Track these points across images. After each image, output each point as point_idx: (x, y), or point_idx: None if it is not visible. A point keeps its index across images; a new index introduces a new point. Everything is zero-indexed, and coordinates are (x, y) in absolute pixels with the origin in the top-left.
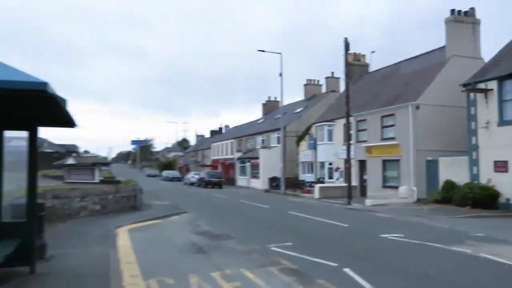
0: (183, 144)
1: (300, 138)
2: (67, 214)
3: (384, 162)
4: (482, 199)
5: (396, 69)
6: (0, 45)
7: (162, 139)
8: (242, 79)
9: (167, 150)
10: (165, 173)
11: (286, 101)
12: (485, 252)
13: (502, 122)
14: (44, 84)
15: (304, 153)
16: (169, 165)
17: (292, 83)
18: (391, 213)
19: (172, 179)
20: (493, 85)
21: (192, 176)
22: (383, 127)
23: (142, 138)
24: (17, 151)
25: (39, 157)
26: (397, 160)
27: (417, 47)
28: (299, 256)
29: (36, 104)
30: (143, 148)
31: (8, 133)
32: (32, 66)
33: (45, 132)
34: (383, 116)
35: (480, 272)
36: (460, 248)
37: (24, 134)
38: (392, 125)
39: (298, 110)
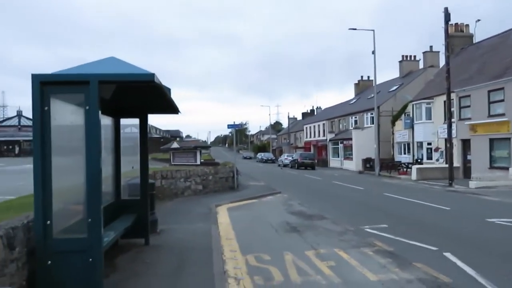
0: (276, 126)
1: (396, 118)
2: (174, 193)
3: (492, 140)
4: None
5: (505, 38)
6: (110, 40)
7: (256, 122)
8: (335, 59)
9: (261, 133)
10: (260, 155)
11: (381, 79)
12: None
13: None
14: (152, 75)
15: (400, 133)
16: (263, 148)
17: (387, 61)
18: (500, 196)
19: (266, 161)
20: None
21: (285, 157)
22: (490, 102)
23: (237, 122)
24: (130, 137)
25: (149, 142)
26: (508, 139)
27: None
28: (394, 238)
29: (145, 94)
30: (239, 132)
31: (122, 121)
32: (139, 58)
33: (151, 120)
34: (490, 91)
35: None
36: None
37: (136, 121)
38: (501, 100)
39: (393, 88)
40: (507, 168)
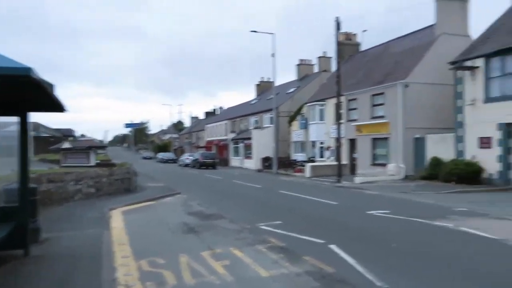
0: (178, 126)
1: (292, 118)
2: (63, 198)
3: (374, 140)
4: (467, 174)
5: (387, 48)
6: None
7: (158, 121)
8: (240, 59)
9: (162, 132)
10: (160, 155)
11: (281, 81)
12: (466, 226)
13: (488, 99)
14: (28, 69)
15: (296, 133)
16: (164, 147)
17: (287, 63)
18: (379, 190)
19: (167, 161)
20: (479, 62)
21: (187, 157)
22: (373, 105)
23: (137, 121)
24: (10, 136)
25: (36, 142)
26: (386, 138)
27: (419, 24)
28: (287, 234)
29: (23, 90)
30: (138, 131)
31: (1, 119)
32: (33, 49)
33: (41, 117)
34: (373, 95)
35: (458, 245)
36: (443, 223)
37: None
38: (382, 104)
39: (291, 90)
40: (385, 165)
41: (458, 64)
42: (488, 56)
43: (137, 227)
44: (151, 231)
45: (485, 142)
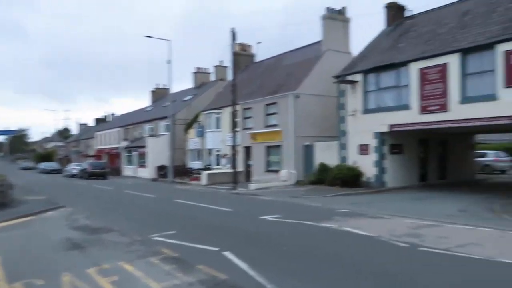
0: (64, 133)
1: (189, 126)
2: None
3: (268, 147)
4: (349, 178)
5: (280, 60)
6: None
7: (41, 128)
8: (135, 65)
9: (46, 140)
10: (43, 165)
11: (177, 88)
12: (348, 226)
13: (366, 111)
14: None
15: (193, 141)
16: (47, 157)
17: (184, 70)
18: (272, 196)
19: (50, 172)
20: (359, 77)
21: (73, 167)
22: (267, 114)
23: (15, 127)
24: None
25: None
26: (279, 146)
27: (311, 38)
28: (181, 243)
29: None
30: (16, 139)
31: None
32: None
33: None
34: (267, 104)
35: (341, 244)
36: (328, 224)
37: None
38: (275, 113)
39: (187, 97)
40: (278, 171)
41: (341, 78)
42: (365, 72)
43: (13, 246)
44: (29, 249)
45: (364, 149)
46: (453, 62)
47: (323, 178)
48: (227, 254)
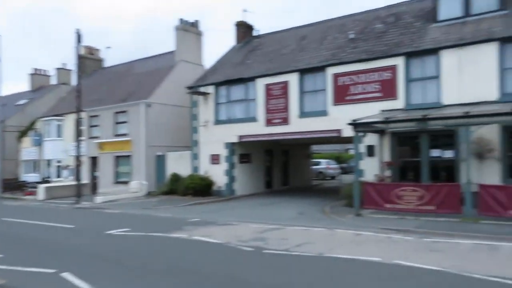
0: None
1: (23, 134)
2: None
3: (117, 158)
4: (201, 188)
5: (131, 67)
6: None
7: None
8: None
9: None
10: None
11: (9, 91)
12: (198, 235)
13: (217, 122)
14: None
15: (28, 151)
16: None
17: (20, 71)
18: (121, 208)
19: None
20: (211, 89)
21: None
22: (116, 123)
23: None
24: None
25: None
26: (129, 156)
27: (166, 48)
28: (10, 268)
29: None
30: None
31: None
32: None
33: None
34: (116, 113)
35: (190, 252)
36: (178, 234)
37: None
38: (125, 122)
39: (22, 102)
40: (128, 182)
41: (193, 89)
42: (217, 85)
43: None
44: None
45: (215, 159)
46: (293, 80)
47: (176, 188)
48: (66, 275)
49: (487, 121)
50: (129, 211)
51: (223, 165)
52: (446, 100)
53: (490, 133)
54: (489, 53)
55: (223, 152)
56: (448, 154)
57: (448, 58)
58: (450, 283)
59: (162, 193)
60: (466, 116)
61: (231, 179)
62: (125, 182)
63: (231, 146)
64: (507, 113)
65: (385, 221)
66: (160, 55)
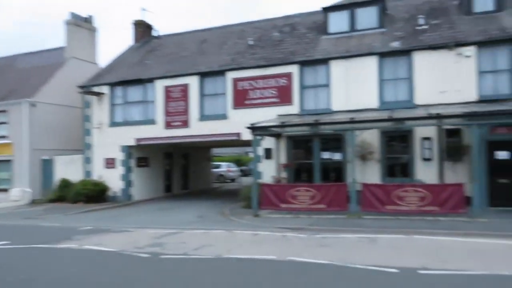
0: None
1: None
2: None
3: None
4: (95, 194)
5: (13, 61)
6: None
7: None
8: None
9: None
10: None
11: None
12: (90, 244)
13: (113, 124)
14: None
15: None
16: None
17: None
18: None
19: None
20: (106, 89)
21: None
22: None
23: None
24: None
25: None
26: (9, 161)
27: (52, 42)
28: None
29: None
30: None
31: None
32: None
33: None
34: None
35: (80, 262)
36: (67, 245)
37: None
38: (5, 123)
39: None
40: (8, 190)
41: (86, 89)
42: (112, 85)
43: None
44: None
45: (110, 163)
46: (193, 83)
47: (65, 195)
48: None
49: (369, 126)
50: (9, 222)
51: (119, 169)
52: (335, 107)
53: (372, 137)
54: (371, 65)
55: (119, 156)
56: (337, 156)
57: (336, 68)
58: (336, 274)
59: (49, 201)
60: (351, 121)
61: (128, 183)
62: (5, 190)
63: (127, 150)
64: (385, 120)
65: (281, 221)
66: (48, 50)
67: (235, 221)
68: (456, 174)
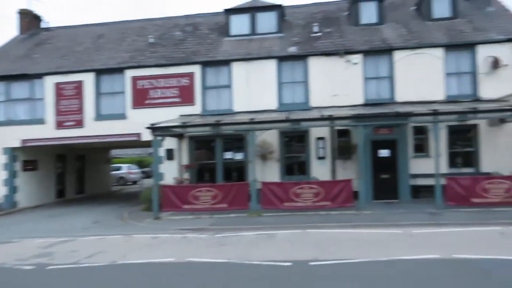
0: None
1: None
2: None
3: None
4: None
5: None
6: None
7: None
8: None
9: None
10: None
11: None
12: None
13: None
14: None
15: None
16: None
17: None
18: None
19: None
20: None
21: None
22: None
23: None
24: None
25: None
26: None
27: None
28: None
29: None
30: None
31: None
32: None
33: None
34: None
35: None
36: None
37: None
38: None
39: None
40: None
41: None
42: None
43: None
44: None
45: None
46: (88, 80)
47: None
48: None
49: (268, 127)
50: None
51: (2, 174)
52: (237, 108)
53: (272, 137)
54: (270, 68)
55: (1, 159)
56: (239, 156)
57: (238, 69)
58: (233, 271)
59: None
60: (252, 122)
61: (13, 189)
62: None
63: (11, 152)
64: (283, 121)
65: (182, 222)
66: None
67: (134, 225)
68: (346, 171)
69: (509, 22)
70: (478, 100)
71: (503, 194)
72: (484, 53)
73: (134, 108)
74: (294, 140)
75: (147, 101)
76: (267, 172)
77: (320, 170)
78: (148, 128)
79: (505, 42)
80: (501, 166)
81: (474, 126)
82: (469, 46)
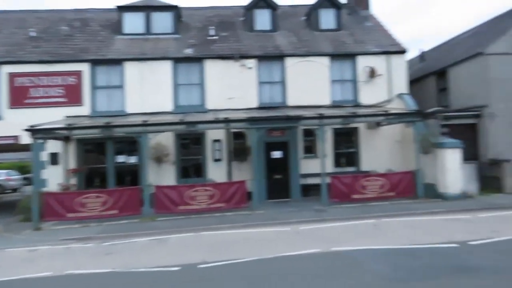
0: None
1: None
2: None
3: None
4: None
5: None
6: None
7: None
8: None
9: None
10: None
11: None
12: None
13: None
14: None
15: None
16: None
17: None
18: None
19: None
20: None
21: None
22: None
23: None
24: None
25: None
26: None
27: None
28: None
29: None
30: None
31: None
32: None
33: None
34: None
35: None
36: None
37: None
38: None
39: None
40: None
41: None
42: None
43: None
44: None
45: None
46: None
47: None
48: None
49: (162, 129)
50: None
51: None
52: (129, 109)
53: (167, 139)
54: (165, 69)
55: None
56: (133, 159)
57: (131, 69)
58: (115, 281)
59: None
60: (145, 124)
61: None
62: None
63: None
64: (178, 123)
65: (66, 232)
66: None
67: (9, 238)
68: (242, 173)
69: (383, 37)
70: (358, 105)
71: (378, 190)
72: (363, 63)
73: (12, 108)
74: (191, 143)
75: (27, 101)
76: (162, 175)
77: (216, 172)
78: (27, 130)
79: (380, 54)
80: (378, 165)
81: (355, 129)
82: (351, 56)
